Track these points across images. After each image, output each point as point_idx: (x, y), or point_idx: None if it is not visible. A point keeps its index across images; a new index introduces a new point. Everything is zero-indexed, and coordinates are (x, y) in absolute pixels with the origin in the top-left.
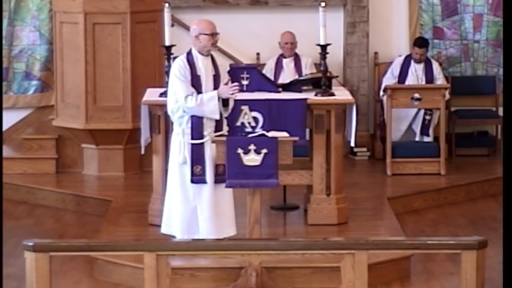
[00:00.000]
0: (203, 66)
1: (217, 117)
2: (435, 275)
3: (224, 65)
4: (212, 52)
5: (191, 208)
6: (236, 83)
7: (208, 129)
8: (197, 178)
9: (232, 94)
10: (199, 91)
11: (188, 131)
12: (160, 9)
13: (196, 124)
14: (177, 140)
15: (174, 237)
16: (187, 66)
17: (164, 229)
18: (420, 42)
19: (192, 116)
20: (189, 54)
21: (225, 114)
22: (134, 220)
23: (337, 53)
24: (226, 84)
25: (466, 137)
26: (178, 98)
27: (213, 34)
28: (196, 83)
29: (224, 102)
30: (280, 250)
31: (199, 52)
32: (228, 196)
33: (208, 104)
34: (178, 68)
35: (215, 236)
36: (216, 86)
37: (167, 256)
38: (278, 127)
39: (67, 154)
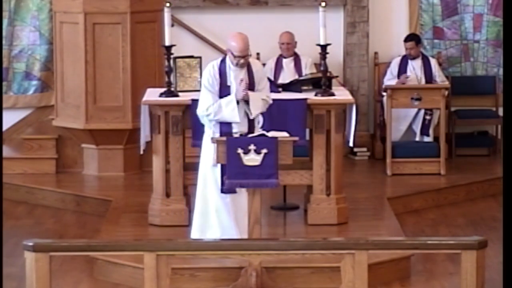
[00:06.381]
0: (235, 76)
1: (237, 120)
2: (435, 275)
3: None
4: (250, 60)
5: (228, 209)
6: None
7: (237, 131)
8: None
9: (244, 92)
10: None
11: (217, 135)
12: (160, 9)
13: (225, 127)
14: (209, 141)
15: None
16: (217, 76)
17: (196, 235)
18: (406, 37)
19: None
20: (222, 61)
21: (252, 116)
22: (134, 220)
23: (337, 53)
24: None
25: (466, 137)
26: (201, 108)
27: (240, 57)
28: (224, 93)
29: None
30: (280, 250)
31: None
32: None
33: (226, 108)
34: (207, 77)
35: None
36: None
37: (167, 256)
38: (278, 127)
39: (67, 154)
